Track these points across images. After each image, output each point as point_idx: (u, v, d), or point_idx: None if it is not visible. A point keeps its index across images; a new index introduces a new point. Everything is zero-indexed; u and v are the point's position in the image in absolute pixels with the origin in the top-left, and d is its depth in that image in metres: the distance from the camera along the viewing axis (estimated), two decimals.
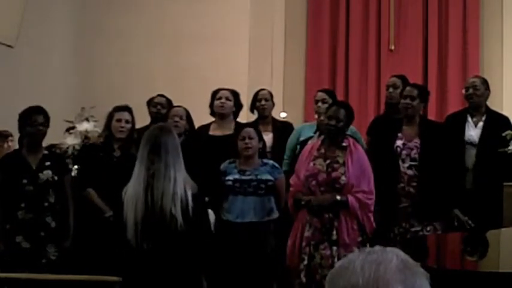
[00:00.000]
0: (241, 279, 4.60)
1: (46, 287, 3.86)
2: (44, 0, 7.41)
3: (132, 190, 3.52)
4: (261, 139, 4.79)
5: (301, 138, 5.21)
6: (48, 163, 4.60)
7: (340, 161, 4.40)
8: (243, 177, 4.67)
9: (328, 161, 4.42)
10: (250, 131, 4.74)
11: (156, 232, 3.47)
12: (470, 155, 5.02)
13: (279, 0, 7.72)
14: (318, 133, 5.09)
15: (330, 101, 5.25)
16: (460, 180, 4.93)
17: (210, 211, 4.71)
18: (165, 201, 3.45)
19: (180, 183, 3.50)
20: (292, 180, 4.52)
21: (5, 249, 4.44)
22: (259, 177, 4.67)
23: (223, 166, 4.76)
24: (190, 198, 3.49)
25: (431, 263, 3.45)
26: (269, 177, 4.68)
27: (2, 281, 3.79)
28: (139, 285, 3.54)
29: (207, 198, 4.72)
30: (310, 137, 5.15)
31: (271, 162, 4.78)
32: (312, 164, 4.43)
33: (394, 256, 1.24)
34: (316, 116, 5.27)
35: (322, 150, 4.47)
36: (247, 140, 4.67)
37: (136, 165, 3.59)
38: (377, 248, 1.27)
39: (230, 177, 4.69)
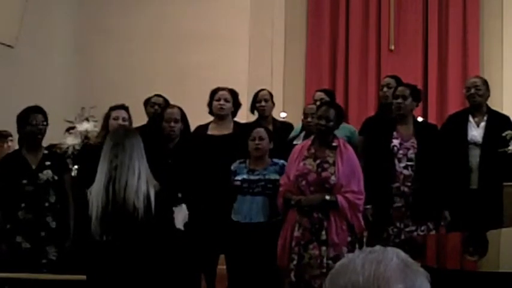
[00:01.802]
0: (251, 280, 4.59)
1: (46, 287, 3.86)
2: (44, 0, 7.41)
3: (96, 187, 3.53)
4: (271, 140, 4.80)
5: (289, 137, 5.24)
6: (48, 163, 4.60)
7: (330, 161, 4.42)
8: (251, 177, 4.67)
9: (318, 161, 4.44)
10: (261, 131, 4.74)
11: (118, 223, 3.46)
12: (474, 155, 5.03)
13: (279, 0, 7.73)
14: (304, 132, 5.11)
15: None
16: (464, 180, 4.94)
17: (183, 206, 4.68)
18: (128, 192, 3.44)
19: (143, 179, 3.50)
20: (282, 180, 4.53)
21: (5, 249, 4.44)
22: (267, 177, 4.66)
23: (233, 166, 4.76)
24: (152, 197, 3.48)
25: (431, 263, 3.45)
26: (277, 176, 4.66)
27: (2, 281, 3.79)
28: (104, 281, 3.52)
29: (180, 194, 4.68)
30: (296, 136, 5.17)
31: (281, 162, 4.76)
32: (302, 163, 4.45)
33: (394, 255, 1.24)
34: (302, 117, 5.28)
35: (313, 150, 4.49)
36: (257, 141, 4.67)
37: (100, 162, 3.58)
38: (377, 247, 1.28)
39: (239, 177, 4.69)
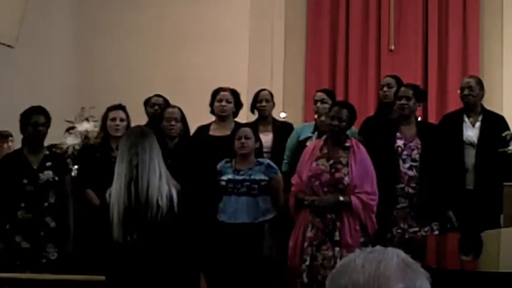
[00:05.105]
0: (237, 280, 4.59)
1: (46, 286, 3.86)
2: (44, 0, 7.41)
3: (115, 188, 3.44)
4: (257, 139, 4.80)
5: (301, 138, 5.21)
6: (49, 163, 4.60)
7: (344, 161, 4.40)
8: (237, 177, 4.68)
9: (331, 161, 4.42)
10: (247, 130, 4.75)
11: (142, 223, 3.38)
12: (470, 155, 5.03)
13: (279, 0, 7.72)
14: (316, 133, 5.09)
15: (330, 101, 5.24)
16: (460, 180, 4.94)
17: None
18: (151, 191, 3.37)
19: (164, 179, 3.44)
20: (294, 180, 4.51)
21: (4, 249, 4.44)
22: (252, 177, 4.67)
23: (219, 166, 4.78)
24: (175, 197, 3.43)
25: (431, 263, 3.45)
26: (262, 177, 4.67)
27: (2, 281, 3.79)
28: (124, 282, 3.46)
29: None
30: (309, 137, 5.14)
31: (267, 161, 4.78)
32: (315, 164, 4.43)
33: (394, 255, 1.24)
34: (316, 116, 5.26)
35: (325, 151, 4.47)
36: (243, 140, 4.69)
37: (116, 164, 3.49)
38: (378, 247, 1.28)
39: (224, 178, 4.70)
